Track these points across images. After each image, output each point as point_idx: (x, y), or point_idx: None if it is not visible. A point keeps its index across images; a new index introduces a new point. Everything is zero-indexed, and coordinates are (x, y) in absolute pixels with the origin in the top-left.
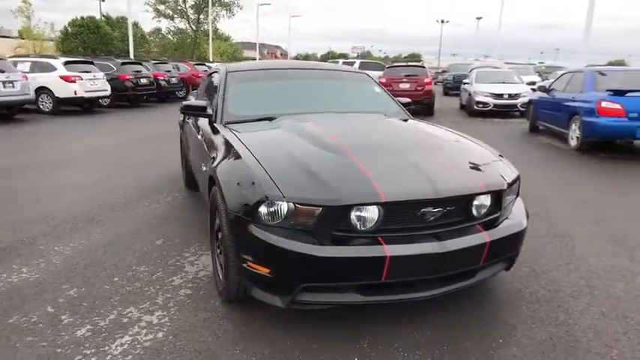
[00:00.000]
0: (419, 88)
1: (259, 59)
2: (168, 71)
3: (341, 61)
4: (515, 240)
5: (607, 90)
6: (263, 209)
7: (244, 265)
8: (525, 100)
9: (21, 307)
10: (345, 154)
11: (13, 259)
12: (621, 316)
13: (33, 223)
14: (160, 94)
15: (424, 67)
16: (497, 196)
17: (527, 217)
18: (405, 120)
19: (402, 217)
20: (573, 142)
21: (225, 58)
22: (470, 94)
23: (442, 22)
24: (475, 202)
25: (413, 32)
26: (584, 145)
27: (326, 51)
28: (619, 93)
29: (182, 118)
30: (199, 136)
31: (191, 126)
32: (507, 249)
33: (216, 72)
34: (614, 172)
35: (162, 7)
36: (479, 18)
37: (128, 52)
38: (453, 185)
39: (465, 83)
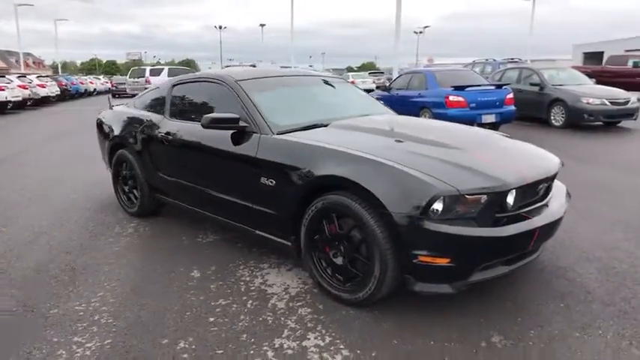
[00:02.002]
0: None
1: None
2: None
3: (148, 68)
4: None
5: (451, 86)
6: (437, 205)
7: (414, 260)
8: None
9: None
10: (457, 147)
11: None
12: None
13: None
14: None
15: None
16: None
17: None
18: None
19: (528, 194)
20: None
21: None
22: None
23: (220, 27)
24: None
25: (182, 39)
26: None
27: (89, 58)
28: (460, 88)
29: (142, 136)
30: (228, 150)
31: (191, 143)
32: None
33: (182, 83)
34: None
35: None
36: (262, 25)
37: None
38: (550, 165)
39: None
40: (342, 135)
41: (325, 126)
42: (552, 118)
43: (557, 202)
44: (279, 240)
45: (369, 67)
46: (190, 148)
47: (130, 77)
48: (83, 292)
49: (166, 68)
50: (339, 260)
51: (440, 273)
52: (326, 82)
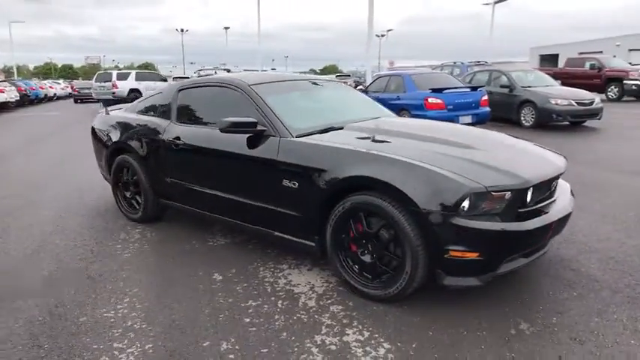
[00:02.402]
0: None
1: None
2: None
3: (114, 72)
4: None
5: (430, 89)
6: (467, 202)
7: (445, 255)
8: None
9: None
10: (474, 147)
11: None
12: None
13: None
14: None
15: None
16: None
17: None
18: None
19: (541, 191)
20: None
21: None
22: None
23: (182, 30)
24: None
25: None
26: None
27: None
28: (438, 91)
29: (147, 141)
30: (247, 154)
31: (203, 148)
32: None
33: (188, 88)
34: None
35: None
36: (227, 28)
37: None
38: (560, 163)
39: None
40: (360, 137)
41: (341, 128)
42: (522, 118)
43: (564, 198)
44: (300, 241)
45: (331, 70)
46: (203, 153)
47: (95, 81)
48: (107, 299)
49: (134, 72)
50: (367, 258)
51: (469, 267)
52: (330, 87)
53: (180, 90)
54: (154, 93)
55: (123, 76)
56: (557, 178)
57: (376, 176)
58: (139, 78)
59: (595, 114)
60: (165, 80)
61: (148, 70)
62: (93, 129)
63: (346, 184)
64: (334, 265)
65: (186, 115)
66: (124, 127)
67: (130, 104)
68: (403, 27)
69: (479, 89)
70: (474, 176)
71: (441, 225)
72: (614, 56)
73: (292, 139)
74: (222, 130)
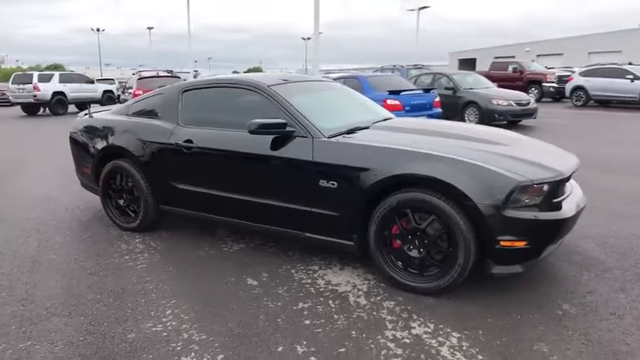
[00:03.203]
0: None
1: None
2: None
3: (35, 74)
4: None
5: (387, 90)
6: (516, 195)
7: (496, 246)
8: None
9: None
10: (502, 144)
11: None
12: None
13: None
14: None
15: (178, 76)
16: None
17: None
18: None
19: (564, 184)
20: None
21: None
22: None
23: (98, 30)
24: None
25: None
26: None
27: None
28: (396, 92)
29: (149, 145)
30: (277, 156)
31: (221, 151)
32: None
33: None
34: None
35: None
36: (150, 27)
37: None
38: (576, 158)
39: None
40: (395, 136)
41: (367, 128)
42: (467, 118)
43: (577, 191)
44: (336, 240)
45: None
46: (221, 156)
47: (12, 84)
48: (146, 312)
49: (57, 74)
50: (414, 253)
51: (516, 255)
52: (335, 87)
53: (185, 91)
54: (151, 94)
55: (45, 78)
56: (575, 171)
57: (429, 174)
58: (63, 80)
59: (531, 114)
60: (93, 82)
61: (73, 72)
62: (72, 135)
63: (392, 182)
64: (377, 262)
65: (196, 118)
66: (117, 130)
67: (117, 106)
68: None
69: (431, 91)
70: (518, 170)
71: (494, 217)
72: (533, 60)
73: (326, 139)
74: (251, 132)
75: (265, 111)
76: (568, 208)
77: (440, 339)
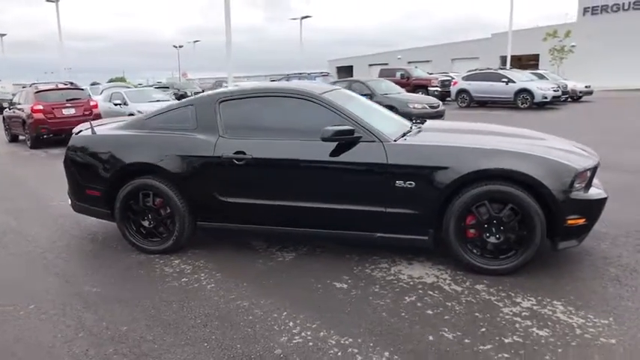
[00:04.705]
0: (86, 112)
1: None
2: None
3: None
4: None
5: None
6: (575, 180)
7: (564, 224)
8: None
9: None
10: (541, 138)
11: None
12: None
13: None
14: None
15: (82, 89)
16: None
17: None
18: None
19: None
20: None
21: None
22: (132, 115)
23: None
24: None
25: None
26: None
27: None
28: None
29: (189, 159)
30: (350, 161)
31: (284, 160)
32: None
33: (232, 99)
34: None
35: None
36: (3, 35)
37: None
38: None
39: (116, 104)
40: (451, 137)
41: (410, 131)
42: None
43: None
44: (410, 237)
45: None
46: (284, 165)
47: None
48: (269, 327)
49: None
50: (492, 239)
51: (577, 231)
52: (354, 93)
53: (222, 102)
54: (174, 106)
55: None
56: None
57: (513, 168)
58: None
59: (441, 115)
60: None
61: None
62: (71, 155)
63: (475, 177)
64: (457, 251)
65: (242, 128)
66: (139, 146)
67: (126, 121)
68: (186, 38)
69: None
70: (570, 160)
71: (564, 200)
72: (416, 67)
73: (397, 143)
74: (325, 139)
75: (317, 119)
76: (600, 191)
77: (549, 308)
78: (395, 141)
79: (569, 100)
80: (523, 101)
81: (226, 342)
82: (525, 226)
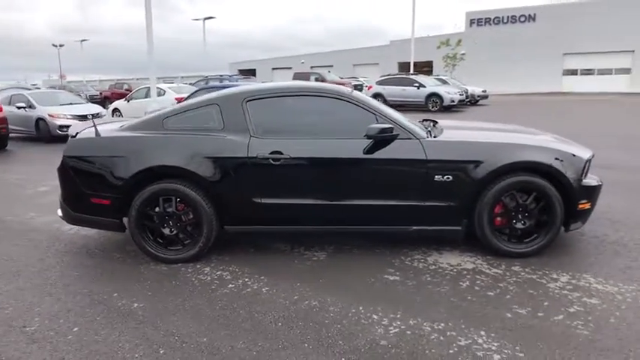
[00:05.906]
0: None
1: None
2: None
3: None
4: None
5: None
6: (585, 170)
7: (577, 209)
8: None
9: None
10: (542, 133)
11: None
12: None
13: None
14: None
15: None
16: None
17: None
18: None
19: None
20: None
21: None
22: (42, 119)
23: None
24: None
25: None
26: None
27: None
28: None
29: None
30: (390, 158)
31: (323, 159)
32: None
33: (261, 98)
34: None
35: None
36: None
37: None
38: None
39: (20, 107)
40: (474, 134)
41: (433, 129)
42: None
43: None
44: (445, 228)
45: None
46: (322, 164)
47: None
48: (357, 322)
49: None
50: (519, 225)
51: (584, 214)
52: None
53: (249, 101)
54: (195, 106)
55: None
56: None
57: (542, 160)
58: None
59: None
60: None
61: None
62: (70, 161)
63: (502, 170)
64: (488, 238)
65: (275, 128)
66: (159, 148)
67: (134, 121)
68: (61, 37)
69: None
70: (576, 151)
71: (578, 187)
72: (329, 71)
73: (434, 139)
74: (371, 137)
75: (350, 117)
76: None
77: (583, 281)
78: (434, 137)
79: (468, 103)
80: (433, 104)
81: (325, 340)
82: (547, 211)
